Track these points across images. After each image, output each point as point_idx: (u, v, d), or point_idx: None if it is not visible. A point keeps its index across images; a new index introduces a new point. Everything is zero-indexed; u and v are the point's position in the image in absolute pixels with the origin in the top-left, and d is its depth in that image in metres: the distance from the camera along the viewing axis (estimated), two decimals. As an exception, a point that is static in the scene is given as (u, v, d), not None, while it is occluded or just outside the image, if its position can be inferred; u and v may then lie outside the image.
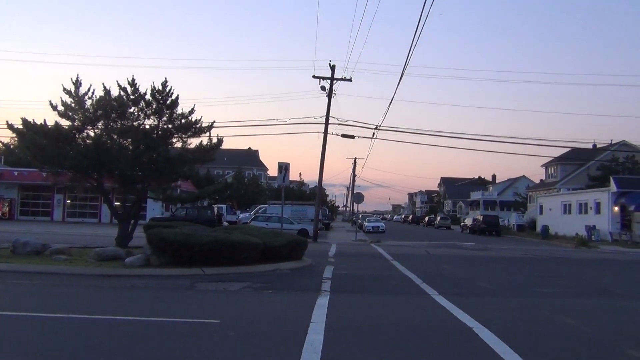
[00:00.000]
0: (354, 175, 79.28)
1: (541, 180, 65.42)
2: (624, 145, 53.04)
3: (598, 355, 7.18)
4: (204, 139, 19.59)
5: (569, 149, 52.78)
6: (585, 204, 46.09)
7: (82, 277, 12.95)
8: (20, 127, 17.52)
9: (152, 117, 18.75)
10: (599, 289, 14.46)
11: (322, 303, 9.98)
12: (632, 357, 6.97)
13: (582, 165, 55.53)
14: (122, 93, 18.26)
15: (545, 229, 46.05)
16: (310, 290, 11.74)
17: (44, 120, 17.68)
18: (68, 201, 45.76)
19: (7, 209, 44.28)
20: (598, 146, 53.68)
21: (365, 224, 53.79)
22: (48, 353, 6.32)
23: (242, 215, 47.31)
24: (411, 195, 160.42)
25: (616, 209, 41.68)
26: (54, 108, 17.65)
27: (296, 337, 7.21)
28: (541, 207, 54.80)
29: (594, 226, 41.80)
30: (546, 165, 61.02)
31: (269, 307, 10.08)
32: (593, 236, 40.44)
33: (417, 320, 9.17)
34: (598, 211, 43.68)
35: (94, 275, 13.14)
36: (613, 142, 53.85)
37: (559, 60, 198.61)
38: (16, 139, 18.83)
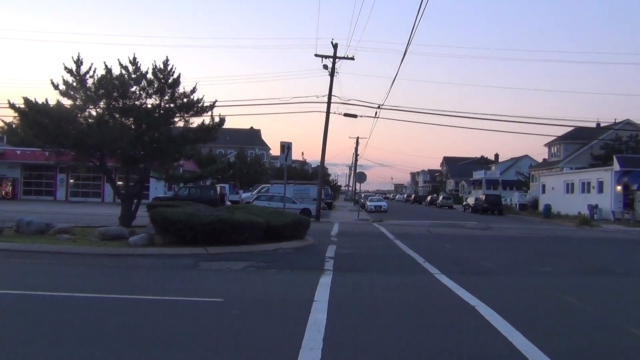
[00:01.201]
0: (357, 155, 79.23)
1: (544, 159, 65.30)
2: (627, 124, 52.77)
3: (600, 333, 7.22)
4: (206, 118, 19.54)
5: (572, 128, 52.58)
6: (588, 183, 46.03)
7: (85, 256, 13.02)
8: (22, 106, 17.46)
9: (153, 96, 18.66)
10: (601, 267, 14.51)
11: (325, 282, 10.04)
12: (634, 335, 7.01)
13: (585, 145, 55.34)
14: (123, 72, 18.15)
15: (548, 208, 46.07)
16: (313, 269, 11.79)
17: (46, 100, 17.64)
18: (71, 181, 45.86)
19: (10, 188, 44.39)
20: (602, 125, 53.49)
21: (368, 203, 53.87)
22: (52, 331, 6.37)
23: (244, 195, 47.34)
24: (414, 175, 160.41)
25: (619, 188, 41.62)
26: (56, 87, 17.57)
27: (299, 315, 7.26)
28: (544, 186, 54.76)
29: (597, 205, 41.80)
30: (549, 145, 60.82)
31: (272, 286, 10.13)
32: (595, 215, 40.48)
33: (420, 299, 9.22)
34: (601, 190, 43.64)
35: (98, 255, 13.20)
36: (617, 121, 53.58)
37: (564, 39, 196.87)
38: (18, 118, 18.79)
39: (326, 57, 33.92)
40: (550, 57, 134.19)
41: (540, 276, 12.29)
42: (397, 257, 14.92)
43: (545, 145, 61.88)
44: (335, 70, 33.94)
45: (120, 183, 22.23)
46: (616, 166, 41.91)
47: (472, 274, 12.25)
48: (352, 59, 34.39)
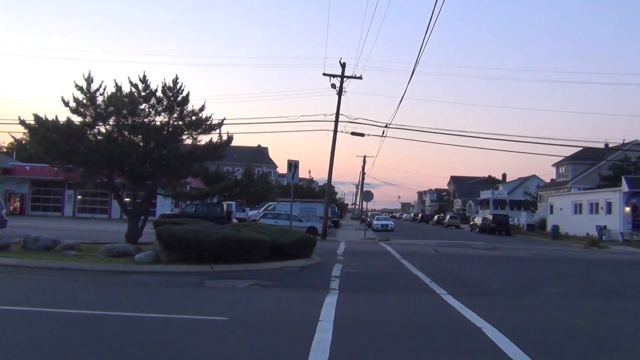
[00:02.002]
0: (363, 173, 79.25)
1: (552, 179, 65.01)
2: (636, 145, 52.53)
3: (608, 356, 7.12)
4: (214, 136, 19.66)
5: (580, 149, 52.43)
6: (596, 204, 45.74)
7: (91, 272, 13.02)
8: (32, 123, 17.64)
9: (162, 113, 18.81)
10: (609, 289, 14.36)
11: (330, 301, 9.98)
12: (643, 359, 6.91)
13: (593, 165, 55.11)
14: (133, 90, 18.34)
15: (556, 228, 45.77)
16: (319, 288, 11.74)
17: (56, 116, 17.81)
18: (79, 197, 46.09)
19: (19, 204, 44.63)
20: (610, 146, 53.25)
21: (375, 222, 53.75)
22: (56, 349, 6.36)
23: (251, 213, 47.37)
24: (421, 194, 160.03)
25: (628, 209, 41.33)
26: (66, 104, 17.76)
27: (304, 335, 7.21)
28: (551, 206, 54.47)
29: (605, 226, 41.49)
30: (557, 165, 60.61)
31: (278, 304, 10.09)
32: (604, 236, 40.15)
33: (426, 320, 9.15)
34: (609, 211, 43.34)
35: (104, 271, 13.21)
36: (625, 142, 53.37)
37: (572, 59, 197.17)
38: (28, 134, 18.97)
39: (334, 76, 34.16)
40: (559, 78, 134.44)
41: (548, 298, 12.18)
42: (403, 277, 14.83)
43: (553, 165, 61.69)
44: (343, 89, 34.18)
45: (128, 200, 22.30)
46: (625, 187, 41.66)
47: (479, 294, 12.16)
48: (360, 78, 34.65)
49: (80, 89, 17.83)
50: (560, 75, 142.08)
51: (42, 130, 17.37)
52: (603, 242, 37.21)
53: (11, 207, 44.02)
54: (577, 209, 49.00)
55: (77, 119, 18.06)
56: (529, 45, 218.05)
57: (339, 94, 34.05)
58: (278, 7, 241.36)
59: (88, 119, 18.04)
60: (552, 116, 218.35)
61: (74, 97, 17.81)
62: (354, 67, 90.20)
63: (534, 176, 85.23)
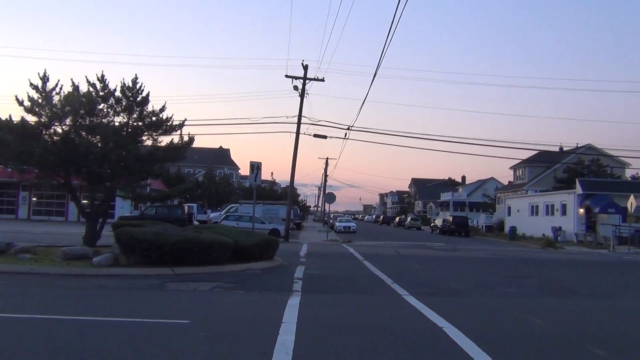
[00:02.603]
0: (326, 175, 79.59)
1: (509, 182, 66.53)
2: (589, 148, 54.29)
3: (564, 353, 7.32)
4: (174, 137, 19.42)
5: (536, 152, 53.87)
6: (552, 206, 47.04)
7: (48, 276, 12.68)
8: (-16, 122, 17.07)
9: (122, 114, 18.47)
10: (565, 289, 14.77)
11: (293, 303, 9.97)
12: (597, 355, 7.13)
13: (549, 168, 56.65)
14: (91, 89, 17.95)
15: (513, 230, 46.85)
16: (282, 290, 11.71)
17: (9, 116, 17.27)
18: (34, 199, 44.71)
19: (-30, 206, 43.05)
20: (564, 149, 54.92)
21: (337, 224, 53.94)
22: (11, 353, 6.16)
23: (212, 215, 46.92)
24: (382, 196, 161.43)
25: (581, 210, 42.67)
26: (20, 103, 17.24)
27: (268, 337, 7.18)
28: (509, 208, 55.75)
29: (560, 227, 42.71)
30: (514, 167, 62.06)
31: (240, 307, 10.02)
32: (559, 237, 41.32)
33: (388, 320, 9.22)
34: (564, 213, 44.64)
35: (61, 275, 12.86)
36: (579, 146, 55.09)
37: (527, 64, 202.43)
38: (-20, 134, 18.33)
39: (297, 78, 34.17)
40: (516, 82, 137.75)
41: (506, 297, 12.45)
42: (365, 278, 14.93)
43: (510, 168, 63.13)
44: (306, 92, 34.21)
45: (85, 202, 21.78)
46: (579, 189, 43.00)
47: (440, 295, 12.34)
48: (323, 80, 34.76)
49: (35, 87, 17.35)
50: (517, 80, 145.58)
51: (-6, 130, 16.81)
52: (558, 243, 38.28)
53: (-38, 210, 42.49)
54: (534, 210, 50.29)
55: (32, 119, 17.60)
56: (489, 50, 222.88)
57: (302, 96, 34.08)
58: (240, 8, 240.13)
59: (43, 119, 17.57)
60: (509, 120, 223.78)
61: (29, 96, 17.31)
62: (317, 70, 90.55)
63: (492, 179, 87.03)
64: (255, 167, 26.65)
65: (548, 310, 10.94)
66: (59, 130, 17.87)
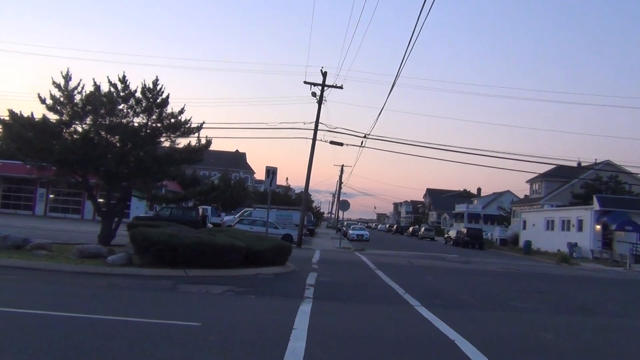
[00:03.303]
0: (341, 183, 79.40)
1: (525, 195, 65.97)
2: (608, 164, 53.69)
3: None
4: (192, 140, 19.56)
5: (554, 166, 53.39)
6: (568, 221, 46.53)
7: (62, 273, 12.79)
8: (7, 118, 17.33)
9: (141, 115, 18.64)
10: (579, 306, 14.58)
11: (304, 310, 9.95)
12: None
13: (566, 183, 56.08)
14: (112, 89, 18.14)
15: (528, 244, 46.41)
16: (293, 297, 11.70)
17: (32, 113, 17.56)
18: (51, 196, 45.19)
19: (-12, 201, 43.61)
20: (583, 164, 54.34)
21: (350, 231, 53.83)
22: (23, 349, 6.22)
23: (226, 218, 47.07)
24: (396, 205, 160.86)
25: (598, 227, 42.15)
26: (43, 101, 17.47)
27: (278, 343, 7.18)
28: (524, 222, 55.24)
29: (576, 243, 42.21)
30: (531, 181, 61.54)
31: (251, 311, 10.02)
32: (574, 253, 40.83)
33: (399, 331, 9.17)
34: (580, 229, 44.12)
35: (75, 273, 12.98)
36: (597, 161, 54.49)
37: (548, 78, 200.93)
38: (2, 130, 18.61)
39: (315, 84, 34.24)
40: (536, 96, 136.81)
41: (519, 312, 12.32)
42: (377, 288, 14.87)
43: (527, 181, 62.62)
44: (324, 98, 34.26)
45: (102, 200, 21.98)
46: (596, 206, 42.49)
47: (452, 307, 12.24)
48: (341, 87, 34.80)
49: (57, 86, 17.58)
50: (537, 93, 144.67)
51: (16, 127, 17.07)
52: (574, 259, 37.82)
53: (-20, 204, 43.07)
54: (550, 225, 49.77)
55: (53, 117, 17.82)
56: (508, 63, 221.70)
57: (319, 102, 34.13)
58: (262, 14, 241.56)
59: (65, 117, 17.79)
60: (528, 133, 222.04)
61: (51, 95, 17.55)
62: (335, 77, 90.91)
63: (508, 192, 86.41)
64: (271, 172, 26.77)
65: (561, 326, 10.81)
66: (79, 129, 18.09)
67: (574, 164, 53.93)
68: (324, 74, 34.14)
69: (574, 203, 50.54)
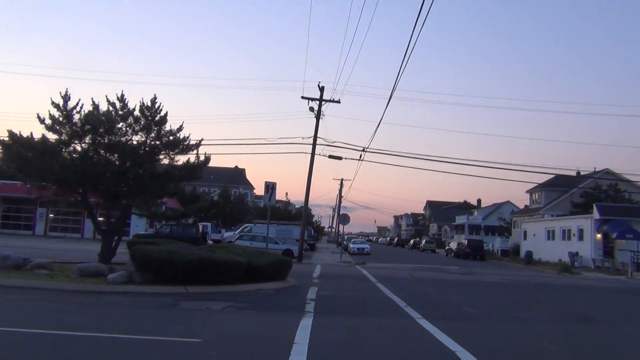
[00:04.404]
0: (340, 196, 79.45)
1: (525, 205, 65.95)
2: (607, 173, 53.76)
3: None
4: (191, 157, 19.62)
5: (553, 176, 53.43)
6: (569, 231, 46.51)
7: (63, 292, 12.79)
8: (6, 139, 17.42)
9: (140, 133, 18.73)
10: (581, 315, 14.56)
11: (305, 324, 9.95)
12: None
13: (565, 192, 56.12)
14: (110, 108, 18.26)
15: (529, 254, 46.32)
16: (294, 311, 11.70)
17: (31, 133, 17.65)
18: (51, 215, 45.20)
19: (-12, 221, 43.59)
20: (582, 174, 54.40)
21: (351, 245, 53.75)
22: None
23: (226, 234, 47.04)
24: (397, 218, 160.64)
25: (599, 236, 42.12)
26: (42, 121, 17.57)
27: (279, 358, 7.19)
28: (525, 232, 55.19)
29: (577, 253, 42.15)
30: (530, 191, 61.56)
31: (252, 327, 10.02)
32: (576, 262, 40.77)
33: (401, 344, 9.17)
34: (581, 238, 44.09)
35: (76, 291, 12.97)
36: (596, 170, 54.56)
37: (546, 88, 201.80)
38: (1, 151, 18.69)
39: (312, 99, 34.35)
40: (533, 106, 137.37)
41: (520, 322, 12.31)
42: (379, 301, 14.85)
43: (526, 191, 62.61)
44: (322, 113, 34.34)
45: (101, 219, 22.01)
46: (596, 214, 42.51)
47: (454, 319, 12.23)
48: (338, 102, 34.90)
49: (56, 106, 17.69)
50: (534, 104, 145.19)
51: (16, 147, 17.15)
52: (575, 268, 37.75)
53: (-20, 225, 43.03)
54: (550, 235, 49.73)
55: (52, 137, 17.91)
56: (506, 75, 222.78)
57: (317, 117, 34.24)
58: (258, 29, 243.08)
59: (64, 137, 17.87)
60: (526, 143, 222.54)
61: (50, 115, 17.65)
62: (333, 91, 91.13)
63: (508, 202, 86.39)
64: (270, 187, 26.82)
65: (563, 336, 10.81)
66: (79, 148, 18.17)
67: (573, 173, 53.98)
68: (322, 89, 34.29)
69: (574, 212, 50.55)
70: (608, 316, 14.76)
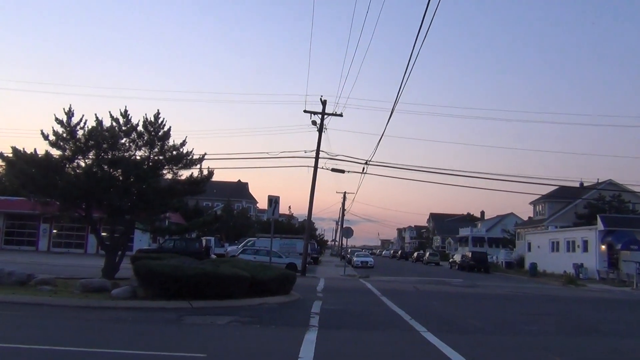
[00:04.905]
0: (343, 210, 79.37)
1: (529, 217, 65.82)
2: (610, 184, 53.69)
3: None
4: (194, 171, 19.68)
5: (556, 187, 53.40)
6: (573, 242, 46.32)
7: (67, 308, 12.77)
8: (10, 155, 17.51)
9: (143, 148, 18.83)
10: (588, 327, 14.46)
11: (310, 338, 9.91)
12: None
13: (569, 203, 56.00)
14: (114, 124, 18.37)
15: (534, 266, 46.12)
16: (298, 325, 11.65)
17: (35, 150, 17.73)
18: (54, 231, 45.20)
19: (-8, 237, 43.60)
20: (585, 185, 54.33)
21: (354, 258, 53.57)
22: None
23: (230, 248, 46.96)
24: (400, 231, 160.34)
25: (603, 247, 41.94)
26: (45, 137, 17.69)
27: (284, 372, 7.14)
28: (529, 244, 55.00)
29: (582, 264, 41.95)
30: (534, 203, 61.45)
31: (257, 341, 9.98)
32: (581, 274, 40.56)
33: (405, 357, 9.12)
34: (585, 249, 43.90)
35: (80, 307, 12.95)
36: (600, 181, 54.50)
37: (548, 100, 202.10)
38: (5, 167, 18.78)
39: (315, 113, 34.45)
40: (535, 118, 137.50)
41: (526, 335, 12.23)
42: (383, 314, 14.79)
43: (530, 203, 62.52)
44: (324, 126, 34.44)
45: (105, 234, 22.02)
46: (600, 226, 42.36)
47: (459, 332, 12.16)
48: (341, 115, 34.96)
49: (60, 122, 17.80)
50: (536, 115, 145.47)
51: (20, 163, 17.24)
52: (580, 280, 37.56)
53: (-16, 241, 43.03)
54: (555, 246, 49.53)
55: (56, 153, 18.01)
56: (508, 87, 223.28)
57: (320, 130, 34.32)
58: (259, 44, 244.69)
59: (67, 153, 17.97)
60: (529, 155, 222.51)
61: (54, 131, 17.76)
62: (335, 105, 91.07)
63: (511, 214, 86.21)
64: (273, 201, 26.78)
65: (569, 348, 10.73)
66: (82, 163, 18.27)
67: (577, 185, 53.95)
68: (324, 103, 34.42)
69: (577, 223, 50.39)
70: (615, 328, 14.65)
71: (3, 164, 18.37)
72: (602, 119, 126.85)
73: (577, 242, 45.46)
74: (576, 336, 12.73)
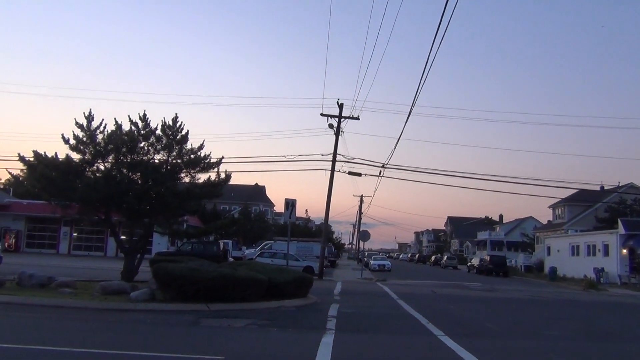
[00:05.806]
0: (360, 213, 79.33)
1: (549, 221, 65.08)
2: (631, 187, 52.92)
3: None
4: (212, 174, 19.81)
5: (576, 190, 52.73)
6: (594, 246, 45.69)
7: (87, 310, 12.93)
8: (32, 159, 17.77)
9: (161, 151, 18.99)
10: (607, 332, 14.26)
11: (327, 342, 9.90)
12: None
13: (589, 207, 55.29)
14: (133, 128, 18.56)
15: (553, 270, 45.54)
16: (315, 329, 11.65)
17: (55, 154, 17.99)
18: (74, 234, 45.84)
19: (14, 241, 44.33)
20: (605, 188, 53.60)
21: (371, 262, 53.46)
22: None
23: (247, 251, 47.13)
24: (418, 234, 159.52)
25: (624, 251, 41.29)
26: (66, 141, 17.93)
27: (301, 375, 7.14)
28: (549, 248, 54.37)
29: (603, 268, 41.33)
30: (554, 206, 60.77)
31: (274, 344, 10.00)
32: (602, 279, 39.96)
33: (423, 361, 9.06)
34: (606, 253, 43.27)
35: (99, 309, 13.11)
36: (620, 185, 53.75)
37: (569, 103, 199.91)
38: (26, 171, 19.06)
39: (332, 116, 34.45)
40: (555, 121, 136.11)
41: (545, 340, 12.09)
42: (400, 318, 14.73)
43: (549, 206, 61.82)
44: (341, 130, 34.43)
45: (124, 237, 22.24)
46: (621, 229, 41.73)
47: (476, 336, 12.07)
48: (357, 118, 34.91)
49: (80, 126, 18.04)
50: (557, 118, 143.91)
51: (40, 167, 17.48)
52: (601, 285, 37.01)
53: (6, 244, 43.70)
54: (575, 250, 48.91)
55: (76, 157, 18.23)
56: (526, 89, 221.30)
57: (337, 134, 34.32)
58: (277, 47, 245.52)
59: (87, 157, 18.19)
60: (548, 158, 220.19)
61: (74, 135, 18.01)
62: (352, 108, 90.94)
63: (530, 217, 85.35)
64: (290, 204, 26.85)
65: (589, 354, 10.60)
66: (102, 167, 18.49)
67: (597, 188, 53.23)
68: (340, 106, 34.41)
69: (598, 227, 49.71)
70: (636, 333, 14.43)
71: (24, 167, 18.64)
72: (624, 121, 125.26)
73: (598, 246, 44.82)
74: (596, 341, 12.55)
